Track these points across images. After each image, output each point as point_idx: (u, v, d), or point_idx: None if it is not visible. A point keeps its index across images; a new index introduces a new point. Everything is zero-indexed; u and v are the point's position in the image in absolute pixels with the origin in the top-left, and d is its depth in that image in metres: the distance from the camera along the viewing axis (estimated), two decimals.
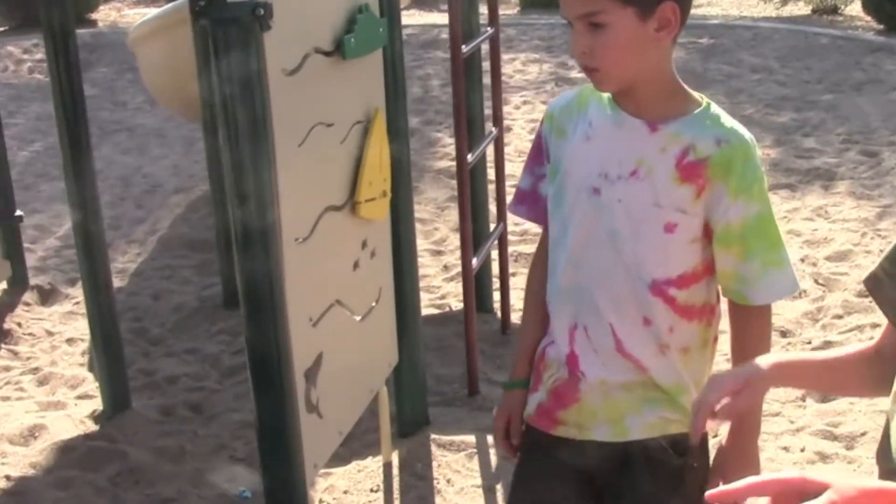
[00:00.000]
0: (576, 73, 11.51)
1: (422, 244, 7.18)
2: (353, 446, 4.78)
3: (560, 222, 2.69)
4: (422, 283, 5.14)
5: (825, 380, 2.33)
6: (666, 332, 2.62)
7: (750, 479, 1.73)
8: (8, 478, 4.83)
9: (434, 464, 4.64)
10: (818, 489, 1.65)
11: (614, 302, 2.62)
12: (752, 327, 2.65)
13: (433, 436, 4.83)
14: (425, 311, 5.21)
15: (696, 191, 2.53)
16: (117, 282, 7.08)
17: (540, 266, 2.86)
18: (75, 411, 5.52)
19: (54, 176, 9.28)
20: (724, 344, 2.72)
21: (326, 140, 3.72)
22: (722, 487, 1.79)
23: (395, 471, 4.62)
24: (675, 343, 2.64)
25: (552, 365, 2.75)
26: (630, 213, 2.56)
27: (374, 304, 4.23)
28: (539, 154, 2.80)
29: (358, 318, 4.07)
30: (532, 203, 2.84)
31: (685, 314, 2.63)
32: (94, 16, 16.90)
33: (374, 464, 4.70)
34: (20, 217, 7.22)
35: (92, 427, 5.36)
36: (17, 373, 6.12)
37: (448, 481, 4.50)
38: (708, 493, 1.80)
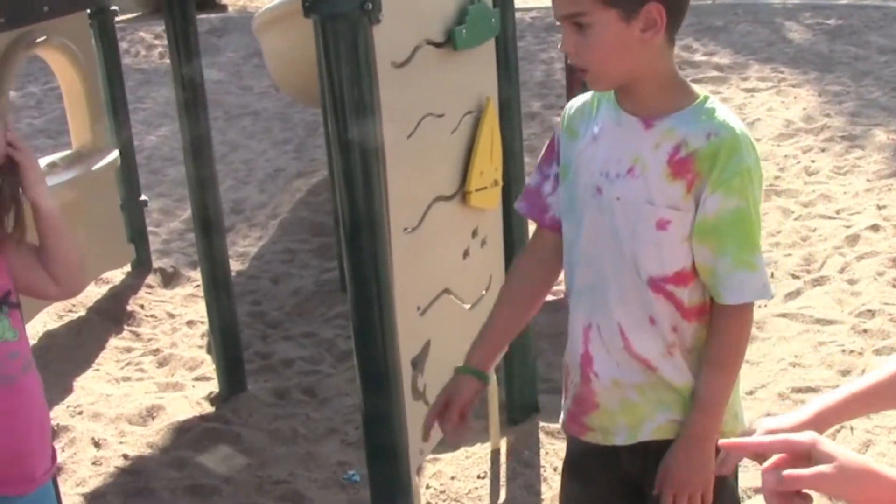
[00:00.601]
0: (699, 57, 11.40)
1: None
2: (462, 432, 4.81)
3: (573, 223, 2.69)
4: None
5: (872, 407, 2.26)
6: (670, 332, 2.60)
7: (763, 437, 1.74)
8: (126, 456, 4.96)
9: (542, 451, 4.67)
10: (825, 459, 1.66)
11: (621, 300, 2.61)
12: (728, 327, 2.59)
13: (542, 423, 4.85)
14: None
15: (687, 186, 2.51)
16: (238, 265, 7.22)
17: (526, 260, 2.90)
18: (192, 393, 5.65)
19: (180, 160, 9.43)
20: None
21: (436, 130, 3.76)
22: (736, 439, 1.80)
23: (503, 458, 4.65)
24: (680, 343, 2.62)
25: (572, 369, 2.76)
26: (627, 211, 2.56)
27: (484, 292, 4.26)
28: (550, 154, 2.79)
29: (467, 306, 4.11)
30: (533, 200, 2.83)
31: (686, 314, 2.60)
32: (223, 0, 17.13)
33: (481, 450, 4.74)
34: (145, 201, 7.39)
35: (208, 409, 5.48)
36: (138, 354, 6.26)
37: (555, 469, 4.52)
38: (722, 441, 1.84)
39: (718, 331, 2.60)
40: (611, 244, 2.58)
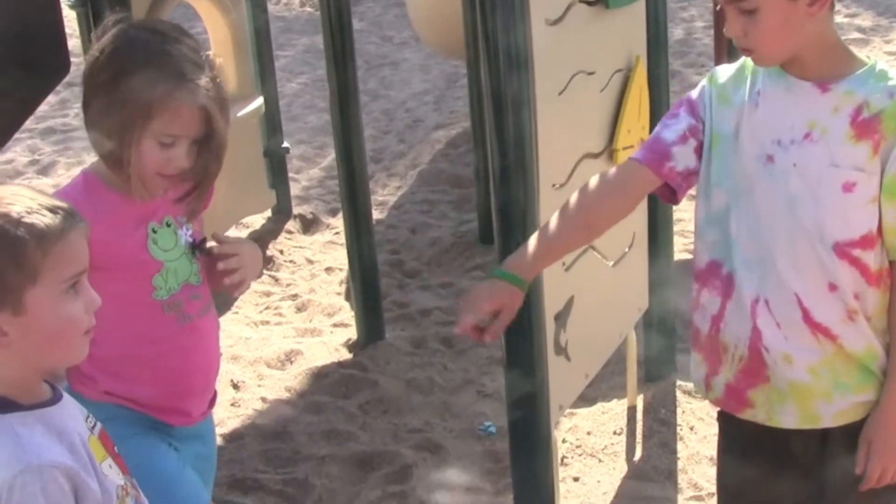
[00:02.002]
0: (841, 19, 11.17)
1: None
2: (599, 388, 4.83)
3: (729, 193, 2.62)
4: (676, 228, 5.12)
5: None
6: (852, 299, 2.55)
7: None
8: (264, 399, 5.07)
9: (679, 410, 4.65)
10: None
11: (798, 270, 2.55)
12: None
13: (679, 382, 4.84)
14: (678, 257, 5.19)
15: (873, 147, 2.47)
16: (377, 214, 7.28)
17: (612, 189, 2.78)
18: (330, 339, 5.73)
19: (321, 108, 9.56)
20: None
21: (587, 88, 3.76)
22: None
23: (639, 415, 4.65)
24: (863, 310, 2.56)
25: (731, 345, 2.68)
26: (806, 176, 2.51)
27: (627, 249, 4.26)
28: (678, 108, 2.73)
29: (611, 263, 4.11)
30: (649, 146, 2.74)
31: (871, 279, 2.55)
32: None
33: (618, 406, 4.75)
34: (287, 148, 7.48)
35: (345, 355, 5.55)
36: (277, 298, 6.36)
37: (691, 429, 4.52)
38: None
39: None
40: (786, 213, 2.53)
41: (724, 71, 2.72)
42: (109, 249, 2.55)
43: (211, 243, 2.83)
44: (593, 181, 2.80)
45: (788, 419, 2.65)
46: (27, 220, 1.96)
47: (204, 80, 2.61)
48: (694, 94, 2.74)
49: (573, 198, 2.80)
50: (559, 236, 2.81)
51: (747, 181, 2.59)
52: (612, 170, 2.87)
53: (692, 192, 2.75)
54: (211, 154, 2.67)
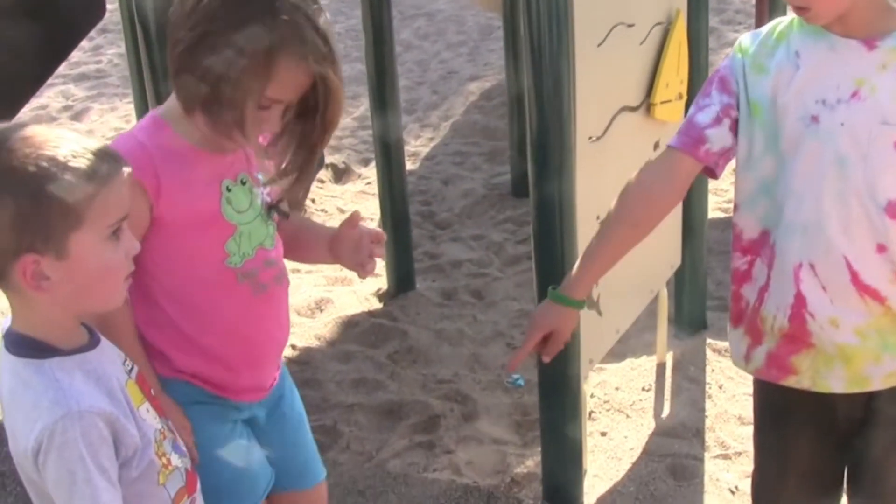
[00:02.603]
0: None
1: None
2: (629, 344, 4.82)
3: (776, 159, 2.58)
4: (710, 186, 5.08)
5: None
6: None
7: None
8: (294, 347, 5.08)
9: (708, 368, 4.64)
10: None
11: (847, 232, 2.50)
12: None
13: (709, 340, 4.83)
14: (711, 215, 5.17)
15: None
16: (409, 165, 7.26)
17: (657, 180, 2.72)
18: (361, 288, 5.73)
19: (354, 58, 9.52)
20: None
21: (626, 41, 3.72)
22: None
23: (668, 372, 4.64)
24: None
25: (770, 316, 2.64)
26: (855, 135, 2.46)
27: None
28: (710, 87, 2.69)
29: None
30: (685, 131, 2.69)
31: None
32: None
33: (647, 363, 4.74)
34: None
35: (376, 304, 5.56)
36: None
37: (720, 387, 4.50)
38: None
39: None
40: (834, 174, 2.49)
41: (752, 39, 2.67)
42: (178, 205, 2.39)
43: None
44: (634, 177, 2.75)
45: (836, 383, 2.62)
46: (73, 163, 1.94)
47: (322, 45, 2.34)
48: (724, 68, 2.68)
49: (617, 199, 2.76)
50: (610, 242, 2.78)
51: (792, 145, 2.54)
52: (652, 162, 2.81)
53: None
54: (316, 127, 2.42)
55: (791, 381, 2.66)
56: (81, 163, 1.95)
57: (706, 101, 2.67)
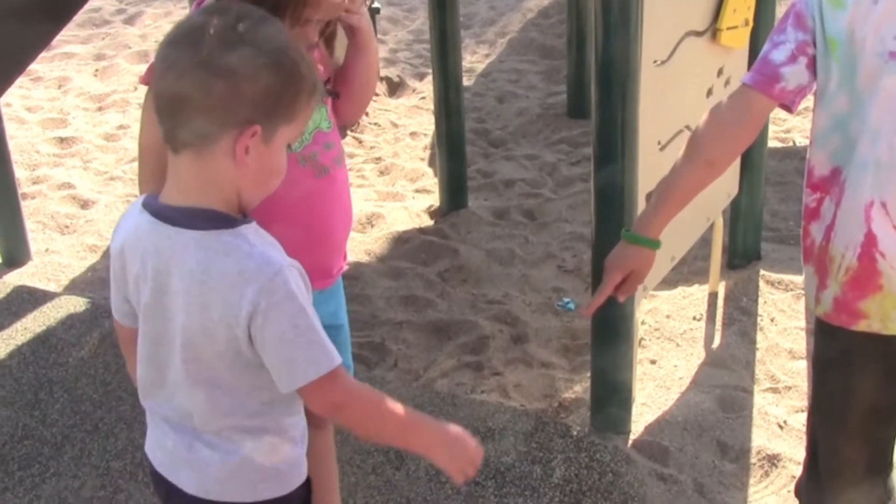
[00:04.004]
0: None
1: None
2: (681, 272, 4.77)
3: (851, 95, 2.49)
4: (770, 115, 5.00)
5: None
6: None
7: None
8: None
9: (760, 300, 4.59)
10: None
11: None
12: None
13: (763, 272, 4.77)
14: (770, 144, 5.09)
15: None
16: (464, 81, 7.20)
17: (730, 120, 2.65)
18: (412, 204, 5.70)
19: None
20: None
21: None
22: None
23: (720, 302, 4.59)
24: None
25: (838, 255, 2.57)
26: None
27: None
28: (786, 22, 2.58)
29: None
30: (759, 68, 2.59)
31: None
32: None
33: (699, 292, 4.69)
34: (377, 9, 7.38)
35: (427, 221, 5.53)
36: (360, 160, 6.33)
37: (772, 320, 4.45)
38: None
39: None
40: None
41: None
42: None
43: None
44: (707, 115, 2.68)
45: None
46: (304, 66, 2.00)
47: None
48: (800, 3, 2.59)
49: (690, 139, 2.70)
50: (685, 180, 2.71)
51: (870, 80, 2.45)
52: (724, 100, 2.72)
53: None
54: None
55: (862, 326, 2.59)
56: (314, 73, 2.03)
57: (781, 38, 2.59)
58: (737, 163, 4.46)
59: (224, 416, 2.07)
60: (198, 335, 2.00)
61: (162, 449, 2.18)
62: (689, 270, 4.84)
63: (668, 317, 4.52)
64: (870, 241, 2.50)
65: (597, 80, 3.34)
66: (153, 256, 2.02)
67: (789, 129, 6.64)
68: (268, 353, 1.97)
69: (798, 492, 2.94)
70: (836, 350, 2.71)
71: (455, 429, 2.13)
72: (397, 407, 2.05)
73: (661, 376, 4.11)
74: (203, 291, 1.97)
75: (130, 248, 2.06)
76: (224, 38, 1.92)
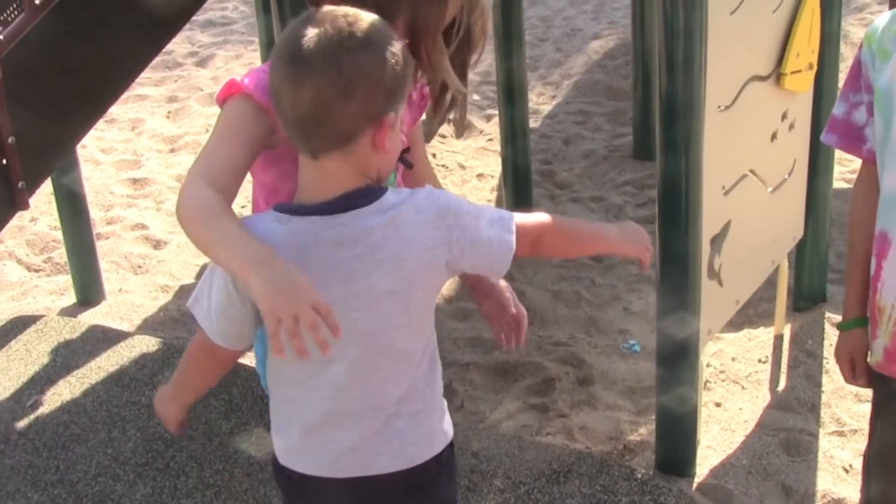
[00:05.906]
0: None
1: None
2: (747, 314, 4.77)
3: (885, 149, 2.51)
4: (836, 156, 5.00)
5: None
6: None
7: None
8: None
9: (825, 342, 4.58)
10: None
11: None
12: None
13: (828, 314, 4.75)
14: (835, 185, 5.09)
15: None
16: (530, 122, 7.25)
17: (862, 202, 2.71)
18: None
19: None
20: None
21: (759, 8, 3.66)
22: None
23: (786, 344, 4.59)
24: None
25: (888, 304, 2.59)
26: None
27: (786, 176, 4.18)
28: (856, 80, 2.62)
29: (769, 189, 4.04)
30: (844, 132, 2.67)
31: None
32: None
33: (764, 334, 4.69)
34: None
35: None
36: None
37: None
38: None
39: None
40: None
41: (879, 24, 2.60)
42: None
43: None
44: (854, 198, 2.79)
45: None
46: (404, 50, 2.11)
47: None
48: (861, 59, 2.63)
49: (848, 221, 2.84)
50: (859, 255, 2.76)
51: None
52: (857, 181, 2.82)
53: None
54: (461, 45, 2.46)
55: None
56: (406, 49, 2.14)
57: (857, 97, 2.64)
58: (802, 205, 4.47)
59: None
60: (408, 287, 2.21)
61: (345, 453, 2.27)
62: (754, 313, 4.84)
63: (733, 359, 4.52)
64: None
65: (661, 124, 3.37)
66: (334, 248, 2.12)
67: (854, 170, 6.60)
68: (474, 255, 2.19)
69: None
70: (888, 399, 2.72)
71: (625, 222, 2.44)
72: (576, 223, 2.44)
73: (725, 419, 4.11)
74: (397, 243, 2.13)
75: (295, 256, 2.07)
76: (344, 45, 2.02)
